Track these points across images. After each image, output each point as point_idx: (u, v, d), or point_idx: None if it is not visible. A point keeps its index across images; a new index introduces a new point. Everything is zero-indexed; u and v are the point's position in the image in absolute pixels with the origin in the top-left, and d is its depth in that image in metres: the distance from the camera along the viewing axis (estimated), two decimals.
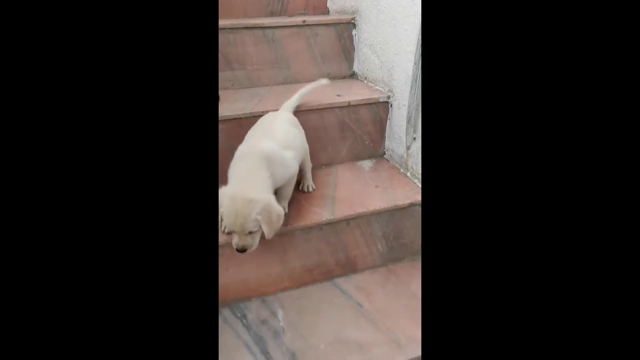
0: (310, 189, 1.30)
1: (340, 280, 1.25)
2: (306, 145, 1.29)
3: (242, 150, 1.09)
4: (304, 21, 1.54)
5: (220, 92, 1.45)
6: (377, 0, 1.42)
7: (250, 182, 1.01)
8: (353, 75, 1.70)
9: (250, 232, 0.97)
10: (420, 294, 1.18)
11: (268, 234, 0.99)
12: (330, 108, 1.39)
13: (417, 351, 1.00)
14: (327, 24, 1.59)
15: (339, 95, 1.43)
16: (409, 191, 1.29)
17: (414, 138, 1.32)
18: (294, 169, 1.16)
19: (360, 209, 1.20)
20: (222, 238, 1.07)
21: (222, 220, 0.98)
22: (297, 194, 1.25)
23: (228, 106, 1.34)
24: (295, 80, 1.62)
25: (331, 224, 1.18)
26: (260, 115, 1.25)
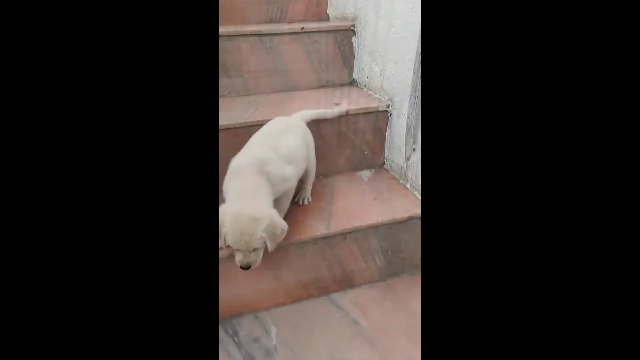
0: (307, 202, 1.26)
1: (336, 296, 1.22)
2: (313, 159, 1.25)
3: (239, 162, 1.04)
4: (303, 28, 1.52)
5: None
6: (377, 7, 1.39)
7: (251, 198, 0.97)
8: (353, 83, 1.67)
9: (255, 249, 0.95)
10: (419, 311, 1.14)
11: (271, 248, 0.97)
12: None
13: None
14: (326, 31, 1.56)
15: (337, 104, 1.40)
16: (408, 204, 1.25)
17: (414, 149, 1.28)
18: (293, 184, 1.13)
19: (357, 223, 1.16)
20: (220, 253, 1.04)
21: (221, 237, 0.95)
22: (293, 206, 1.22)
23: (224, 115, 1.31)
24: (294, 88, 1.59)
25: (327, 238, 1.14)
26: (257, 125, 1.21)
